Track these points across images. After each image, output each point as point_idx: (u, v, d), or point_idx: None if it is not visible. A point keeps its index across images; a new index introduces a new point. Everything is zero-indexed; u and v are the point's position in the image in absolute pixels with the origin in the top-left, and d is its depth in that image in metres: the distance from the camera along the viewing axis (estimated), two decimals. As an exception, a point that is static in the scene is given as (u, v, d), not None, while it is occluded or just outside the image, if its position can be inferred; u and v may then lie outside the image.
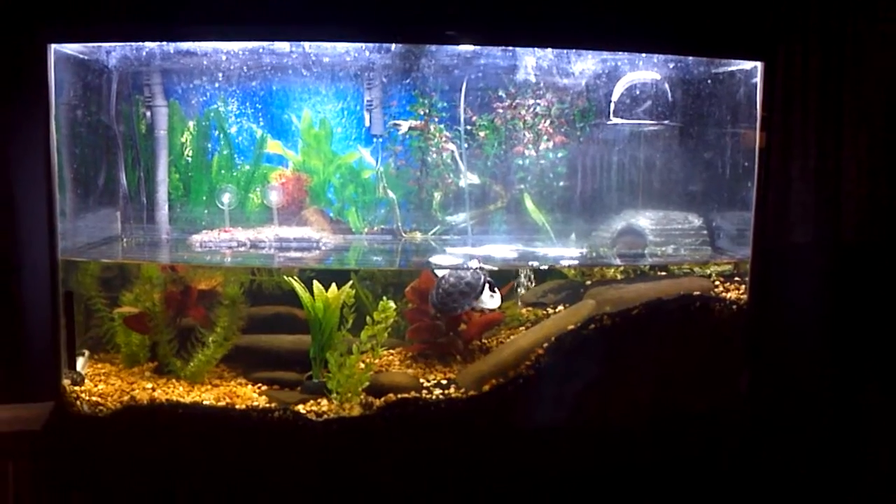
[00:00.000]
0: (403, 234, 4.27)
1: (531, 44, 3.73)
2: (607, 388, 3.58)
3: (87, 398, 3.45)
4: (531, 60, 3.97)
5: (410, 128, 4.19)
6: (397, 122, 4.21)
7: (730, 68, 3.91)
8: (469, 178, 4.23)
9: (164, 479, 3.38)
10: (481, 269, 3.78)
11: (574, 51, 3.86)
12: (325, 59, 3.96)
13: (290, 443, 3.40)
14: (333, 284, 3.68)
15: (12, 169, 3.39)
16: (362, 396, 3.52)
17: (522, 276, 4.11)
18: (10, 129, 3.36)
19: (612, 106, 4.03)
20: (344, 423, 3.42)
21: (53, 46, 3.29)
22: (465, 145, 4.18)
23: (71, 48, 3.54)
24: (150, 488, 3.38)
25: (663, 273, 4.01)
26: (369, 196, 4.32)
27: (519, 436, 3.53)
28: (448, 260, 3.96)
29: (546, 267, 4.17)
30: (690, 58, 3.89)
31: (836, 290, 3.73)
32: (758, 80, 3.61)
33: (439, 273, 3.81)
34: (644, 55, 3.88)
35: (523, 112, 4.14)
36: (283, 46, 3.79)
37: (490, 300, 3.77)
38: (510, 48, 3.85)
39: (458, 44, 3.69)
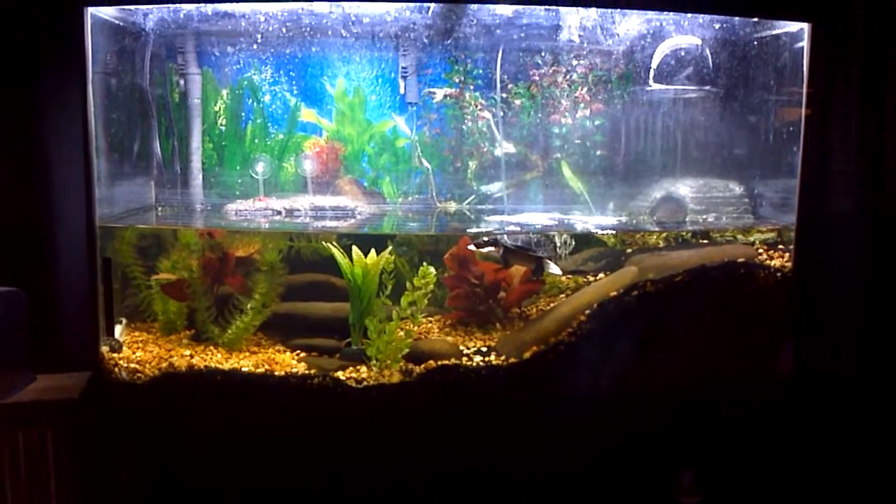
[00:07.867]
0: (438, 204, 4.21)
1: (571, 2, 3.64)
2: (650, 355, 3.53)
3: (126, 365, 3.44)
4: (574, 20, 3.88)
5: (446, 96, 4.14)
6: (432, 90, 4.15)
7: (773, 32, 3.82)
8: (505, 147, 4.17)
9: (202, 446, 3.37)
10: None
11: (617, 11, 3.78)
12: (364, 20, 3.88)
13: (330, 409, 3.37)
14: (372, 251, 3.64)
15: (49, 134, 3.36)
16: (402, 363, 3.50)
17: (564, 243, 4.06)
18: (47, 93, 3.33)
19: (652, 71, 3.96)
20: (384, 389, 3.39)
21: (90, 10, 3.25)
22: (501, 113, 4.12)
23: (107, 13, 3.51)
24: (188, 454, 3.38)
25: (705, 241, 3.95)
26: (404, 165, 4.27)
27: (560, 403, 3.49)
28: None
29: (586, 231, 4.10)
30: (735, 19, 3.79)
31: (878, 260, 3.67)
32: (804, 43, 3.53)
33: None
34: (688, 16, 3.79)
35: (560, 79, 4.07)
36: (322, 7, 3.72)
37: (555, 267, 3.80)
38: (552, 7, 3.75)
39: (498, 2, 3.61)
